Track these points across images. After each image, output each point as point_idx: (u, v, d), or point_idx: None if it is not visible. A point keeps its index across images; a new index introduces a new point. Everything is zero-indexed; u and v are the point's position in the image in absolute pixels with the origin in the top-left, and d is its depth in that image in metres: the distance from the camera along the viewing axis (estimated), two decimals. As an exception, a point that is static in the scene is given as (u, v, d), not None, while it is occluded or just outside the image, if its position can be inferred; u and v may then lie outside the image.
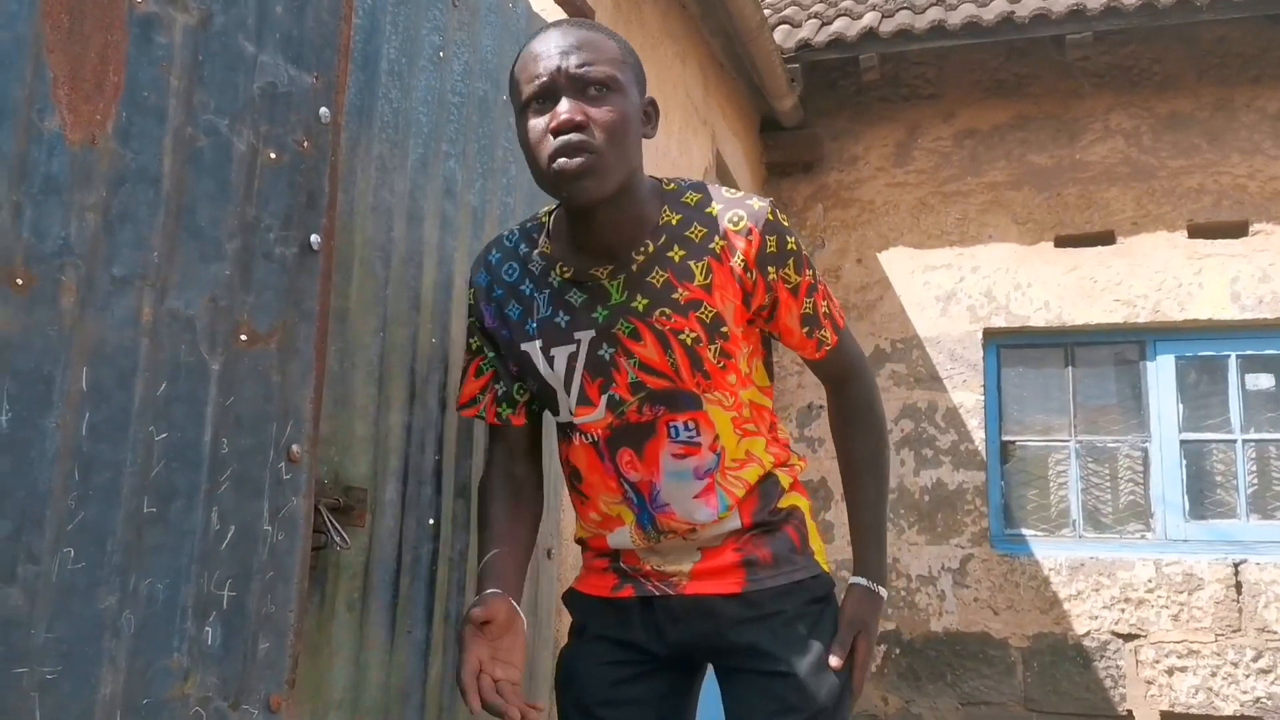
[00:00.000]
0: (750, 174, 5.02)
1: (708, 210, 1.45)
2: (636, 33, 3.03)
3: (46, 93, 1.10)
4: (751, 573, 1.49)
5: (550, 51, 1.36)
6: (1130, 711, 4.43)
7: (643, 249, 1.43)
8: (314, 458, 1.37)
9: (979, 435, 4.81)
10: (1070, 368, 4.90)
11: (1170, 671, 4.41)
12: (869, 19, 4.81)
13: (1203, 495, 4.67)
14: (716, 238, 1.43)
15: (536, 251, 1.51)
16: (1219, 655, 4.37)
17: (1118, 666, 4.48)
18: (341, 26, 1.46)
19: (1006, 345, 4.96)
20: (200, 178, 1.25)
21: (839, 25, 4.87)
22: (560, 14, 2.40)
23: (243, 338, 1.28)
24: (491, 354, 1.55)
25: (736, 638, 1.48)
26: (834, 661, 1.47)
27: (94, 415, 1.11)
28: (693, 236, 1.43)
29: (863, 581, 1.57)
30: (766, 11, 5.24)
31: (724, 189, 1.50)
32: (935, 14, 4.68)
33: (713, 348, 1.43)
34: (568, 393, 1.48)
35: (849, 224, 5.14)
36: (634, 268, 1.43)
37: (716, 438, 1.47)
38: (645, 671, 1.53)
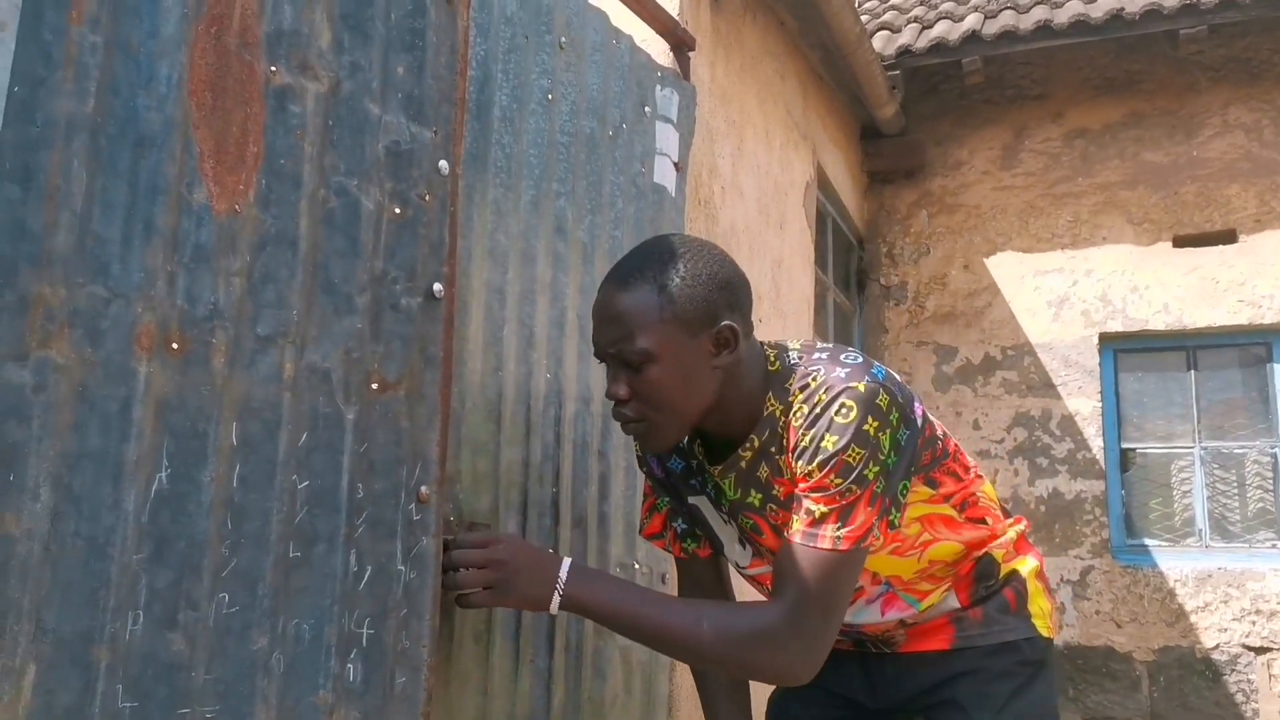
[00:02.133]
0: (852, 183, 4.98)
1: (792, 397, 1.38)
2: (736, 54, 3.05)
3: (194, 167, 1.18)
4: (960, 629, 1.50)
5: (595, 322, 1.39)
6: (1265, 729, 4.25)
7: (748, 445, 1.42)
8: (442, 498, 1.42)
9: (1097, 443, 4.67)
10: (1193, 371, 4.72)
11: (1308, 688, 4.21)
12: (971, 21, 4.73)
13: (1340, 503, 4.45)
14: (784, 430, 1.39)
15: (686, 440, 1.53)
16: (1362, 671, 4.15)
17: (1249, 680, 4.30)
18: (457, 81, 1.52)
19: (1124, 350, 4.81)
20: (333, 236, 1.32)
21: (940, 29, 4.79)
22: (663, 47, 2.43)
23: (374, 386, 1.35)
24: (665, 499, 1.59)
25: (940, 693, 1.51)
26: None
27: (243, 467, 1.19)
28: (780, 428, 1.40)
29: (568, 561, 1.39)
30: (864, 18, 5.20)
31: (819, 363, 1.38)
32: (1040, 13, 4.57)
33: None
34: (743, 548, 1.53)
35: (955, 230, 5.05)
36: (743, 464, 1.44)
37: (874, 576, 1.47)
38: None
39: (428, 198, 1.45)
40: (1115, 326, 4.72)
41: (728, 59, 2.96)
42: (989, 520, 1.52)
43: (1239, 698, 4.31)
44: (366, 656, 1.30)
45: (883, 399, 1.32)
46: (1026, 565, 1.54)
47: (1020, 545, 1.56)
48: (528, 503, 1.72)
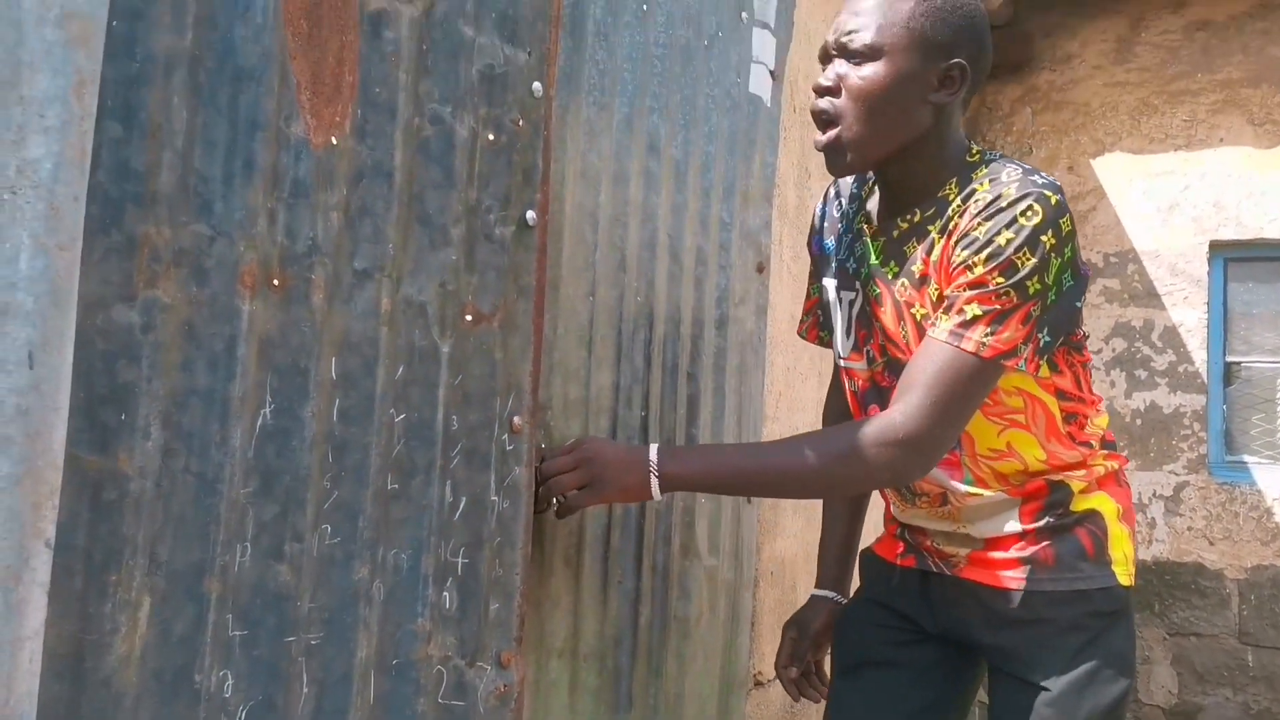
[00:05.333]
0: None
1: (976, 185, 1.34)
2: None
3: (292, 99, 1.16)
4: (1030, 572, 1.42)
5: (841, 16, 1.39)
6: (1358, 651, 4.16)
7: (909, 217, 1.40)
8: (534, 428, 1.43)
9: (1200, 356, 4.50)
10: (1309, 284, 4.49)
11: None
12: (1090, -98, 4.40)
13: None
14: (956, 214, 1.35)
15: (863, 191, 1.54)
16: None
17: (1347, 604, 4.20)
18: (552, -2, 1.47)
19: (1236, 259, 4.58)
20: (428, 167, 1.30)
21: (1056, -89, 4.48)
22: (761, -57, 2.31)
23: (468, 318, 1.35)
24: (815, 282, 1.64)
25: (1001, 637, 1.45)
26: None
27: (343, 401, 1.21)
28: (952, 211, 1.36)
29: (654, 446, 1.40)
30: (974, -102, 4.89)
31: (1018, 167, 1.35)
32: (1168, -108, 4.23)
33: None
34: (846, 335, 1.52)
35: (1060, 128, 4.81)
36: (895, 233, 1.42)
37: None
38: (915, 640, 1.56)
39: (521, 123, 1.42)
40: (1228, 234, 4.48)
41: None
42: (1083, 449, 1.45)
43: (1333, 619, 4.22)
44: (462, 584, 1.33)
45: (1066, 222, 1.30)
46: (1109, 505, 1.45)
47: (1106, 481, 1.47)
48: (617, 426, 1.73)
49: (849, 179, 1.59)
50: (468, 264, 1.34)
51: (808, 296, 1.69)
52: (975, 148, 1.42)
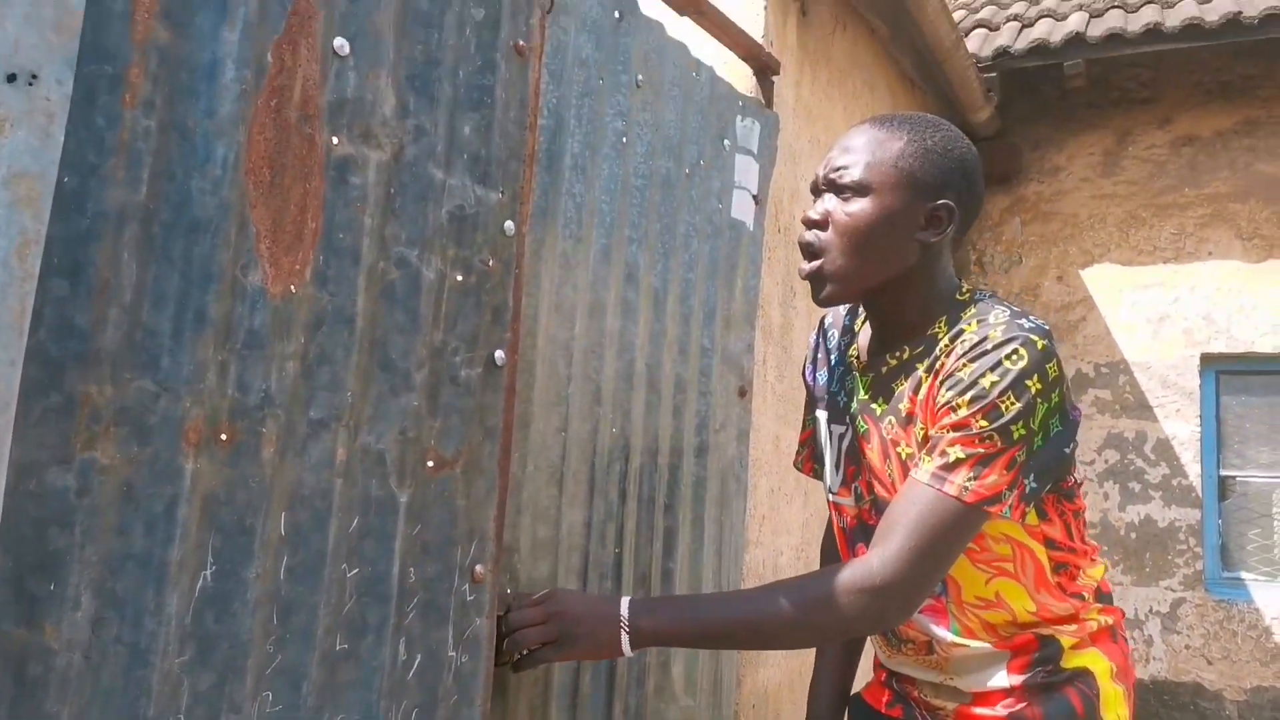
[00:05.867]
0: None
1: (964, 325, 1.32)
2: (823, 70, 2.93)
3: (250, 248, 1.13)
4: None
5: (833, 152, 1.40)
6: (1364, 779, 4.03)
7: (897, 354, 1.39)
8: (497, 575, 1.38)
9: (1194, 469, 4.45)
10: (1301, 398, 4.46)
11: None
12: (1075, 21, 4.50)
13: None
14: (944, 354, 1.33)
15: (855, 324, 1.54)
16: None
17: (1351, 729, 4.08)
18: (527, 137, 1.46)
19: (1227, 372, 4.56)
20: (392, 311, 1.27)
21: (1041, 29, 4.57)
22: (745, 71, 2.34)
23: (430, 464, 1.30)
24: (809, 414, 1.62)
25: None
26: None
27: (291, 559, 1.15)
28: (941, 351, 1.34)
29: (625, 599, 1.34)
30: (960, 13, 5.00)
31: (1006, 309, 1.33)
32: (1150, 14, 4.32)
33: None
34: (835, 470, 1.49)
35: (1049, 238, 4.84)
36: (884, 369, 1.40)
37: None
38: None
39: (492, 262, 1.40)
40: (1219, 347, 4.48)
41: (814, 76, 2.84)
42: (1075, 600, 1.40)
43: (1337, 745, 4.09)
44: (414, 747, 1.26)
45: (1053, 368, 1.26)
46: (1102, 663, 1.39)
47: (1100, 637, 1.41)
48: (588, 565, 1.67)
49: (842, 310, 1.57)
50: (430, 408, 1.31)
51: (803, 428, 1.66)
52: (966, 287, 1.41)
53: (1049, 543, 1.39)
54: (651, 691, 1.79)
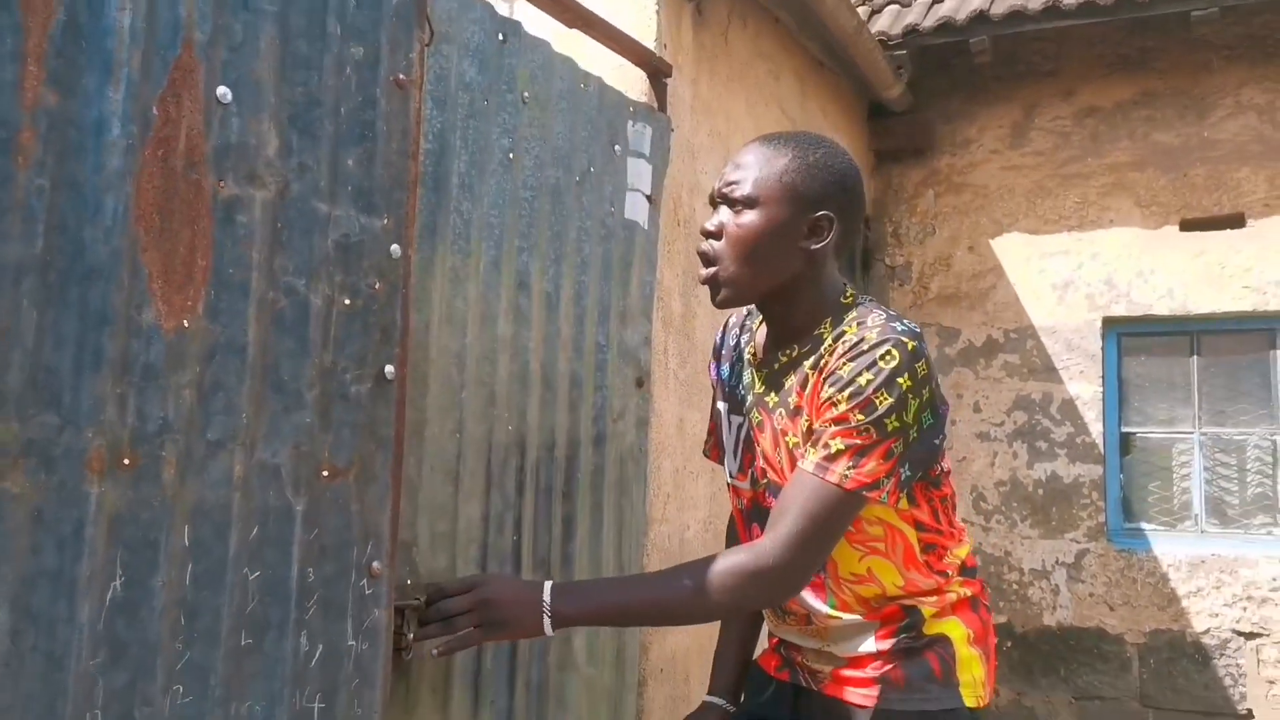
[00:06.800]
0: (858, 163, 4.96)
1: (845, 327, 1.48)
2: (723, 65, 3.05)
3: (143, 289, 1.25)
4: (882, 691, 1.52)
5: (727, 167, 1.55)
6: (1250, 710, 4.33)
7: (788, 352, 1.54)
8: (393, 570, 1.51)
9: (1096, 427, 4.70)
10: (1195, 357, 4.71)
11: (1296, 673, 4.28)
12: (980, -1, 4.65)
13: (1338, 490, 4.47)
14: (827, 353, 1.48)
15: (754, 323, 1.67)
16: (1351, 658, 4.22)
17: (1238, 665, 4.37)
18: (409, 165, 1.57)
19: (1128, 334, 4.80)
20: (282, 337, 1.39)
21: (948, 6, 4.72)
22: (639, 75, 2.46)
23: (324, 474, 1.43)
24: (715, 405, 1.74)
25: None
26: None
27: (196, 567, 1.28)
28: (825, 350, 1.49)
29: (548, 584, 1.48)
30: (875, -10, 5.13)
31: (882, 313, 1.48)
32: (1050, -9, 4.48)
33: None
34: (734, 457, 1.64)
35: (961, 210, 5.03)
36: (776, 365, 1.55)
37: None
38: None
39: (378, 285, 1.51)
40: (1119, 311, 4.71)
41: (713, 72, 2.97)
42: (939, 577, 1.56)
43: (1227, 681, 4.38)
44: (318, 730, 1.40)
45: (922, 366, 1.42)
46: (959, 630, 1.55)
47: (960, 607, 1.57)
48: (487, 555, 1.81)
49: (743, 310, 1.71)
50: (323, 424, 1.43)
51: (710, 417, 1.78)
52: (850, 290, 1.56)
53: (918, 525, 1.54)
54: (554, 664, 1.94)
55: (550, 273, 2.00)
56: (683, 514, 2.72)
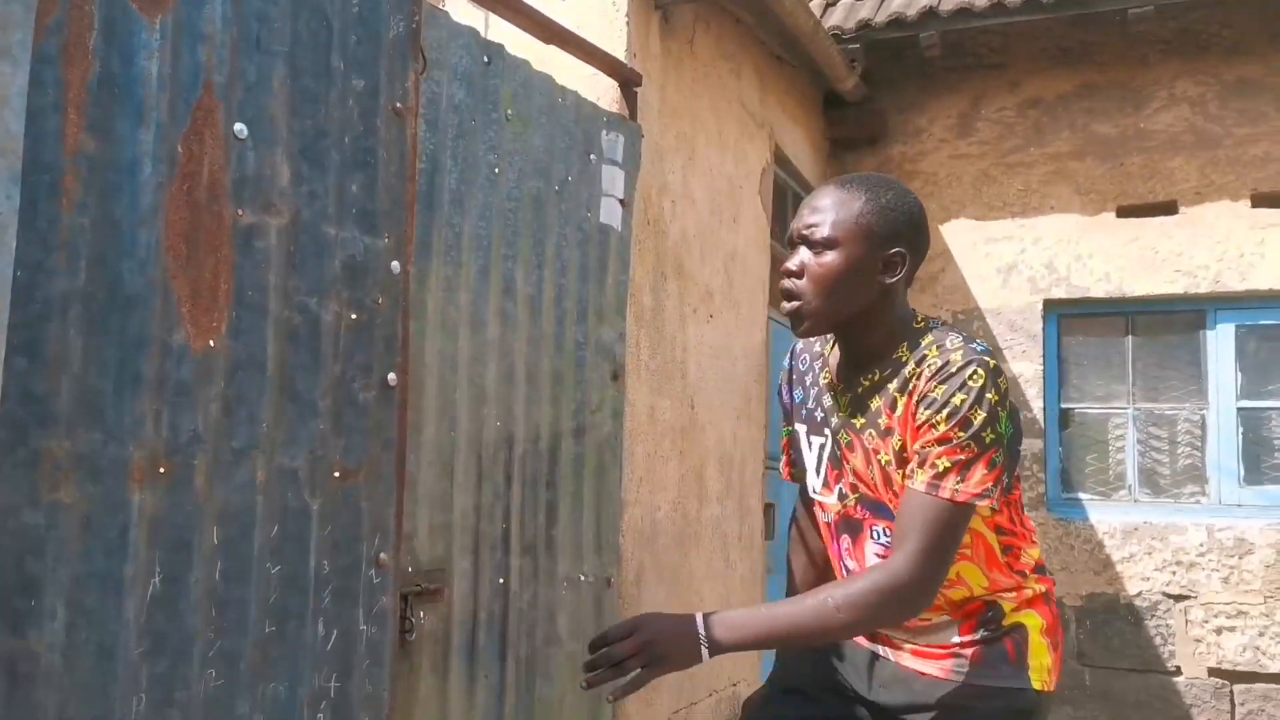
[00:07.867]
0: (813, 153, 5.12)
1: (926, 351, 1.61)
2: (688, 68, 3.18)
3: (174, 313, 1.37)
4: (958, 664, 1.64)
5: (803, 209, 1.66)
6: (1179, 667, 4.62)
7: (870, 376, 1.67)
8: (398, 560, 1.66)
9: (1038, 404, 4.94)
10: (1130, 337, 4.96)
11: (1219, 631, 4.56)
12: (930, -8, 4.81)
13: (1259, 461, 4.74)
14: (914, 376, 1.61)
15: (826, 350, 1.80)
16: (1267, 616, 4.50)
17: (1168, 625, 4.65)
18: (407, 186, 1.70)
19: (1067, 315, 5.04)
20: (297, 352, 1.52)
21: (899, 3, 4.88)
22: (610, 84, 2.59)
23: (336, 475, 1.57)
24: (788, 427, 1.87)
25: (925, 716, 1.68)
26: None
27: (225, 564, 1.42)
28: (909, 374, 1.61)
29: (699, 616, 1.55)
30: (828, -17, 5.27)
31: (957, 335, 1.59)
32: (996, -13, 4.66)
33: (900, 472, 1.61)
34: (817, 474, 1.77)
35: (911, 195, 5.21)
36: (859, 390, 1.68)
37: None
38: (852, 698, 1.79)
39: (381, 300, 1.65)
40: (1059, 293, 4.94)
41: (679, 76, 3.10)
42: (1018, 576, 1.69)
43: (1157, 640, 4.66)
44: (335, 706, 1.54)
45: (1002, 381, 1.56)
46: (1035, 620, 1.69)
47: (1035, 602, 1.70)
48: (479, 540, 1.96)
49: (802, 342, 1.87)
50: (335, 429, 1.57)
51: (783, 438, 1.89)
52: (920, 315, 1.70)
53: (998, 529, 1.68)
54: (540, 640, 2.10)
55: (533, 277, 2.14)
56: (654, 496, 2.88)
